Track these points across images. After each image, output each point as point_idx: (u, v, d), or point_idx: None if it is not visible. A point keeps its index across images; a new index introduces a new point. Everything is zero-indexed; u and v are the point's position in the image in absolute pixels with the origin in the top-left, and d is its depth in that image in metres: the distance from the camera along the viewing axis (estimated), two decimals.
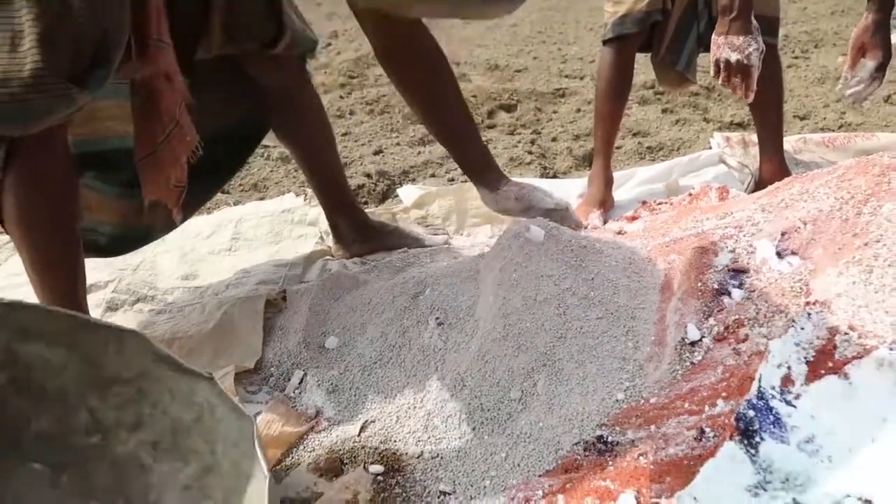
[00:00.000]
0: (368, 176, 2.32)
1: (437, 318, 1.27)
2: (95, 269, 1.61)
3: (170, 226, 1.47)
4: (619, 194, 2.03)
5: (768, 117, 2.02)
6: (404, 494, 1.00)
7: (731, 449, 0.85)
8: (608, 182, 1.99)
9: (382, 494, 1.00)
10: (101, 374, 0.98)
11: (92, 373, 0.98)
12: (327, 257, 1.74)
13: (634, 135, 2.66)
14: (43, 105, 0.99)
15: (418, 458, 1.06)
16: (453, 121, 1.50)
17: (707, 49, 1.84)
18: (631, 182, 2.12)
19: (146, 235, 1.46)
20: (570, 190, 2.10)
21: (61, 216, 1.20)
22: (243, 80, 1.44)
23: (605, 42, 1.92)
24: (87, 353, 0.97)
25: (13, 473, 0.95)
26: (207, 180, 1.47)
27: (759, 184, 1.98)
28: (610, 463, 0.95)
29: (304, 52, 1.48)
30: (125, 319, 1.49)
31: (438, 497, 0.99)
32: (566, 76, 3.51)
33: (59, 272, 1.23)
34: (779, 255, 1.14)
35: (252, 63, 1.41)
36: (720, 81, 1.69)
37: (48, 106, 0.99)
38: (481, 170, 1.53)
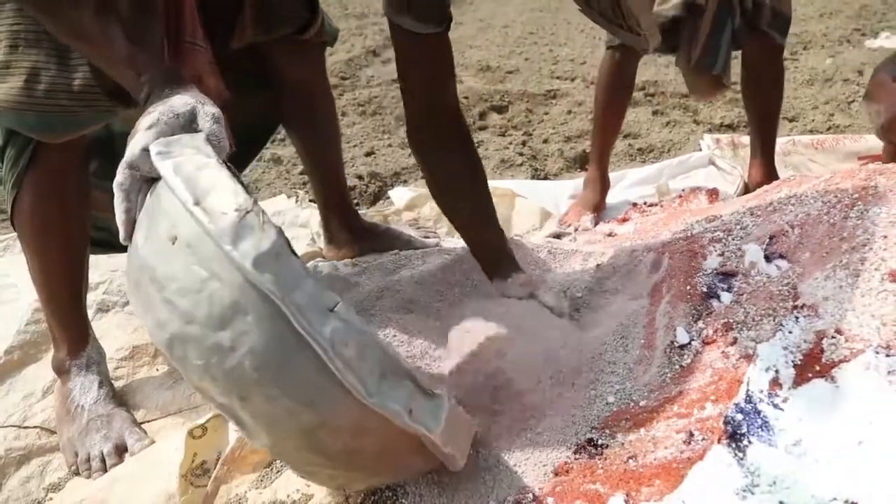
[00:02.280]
0: (360, 178, 2.32)
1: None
2: None
3: None
4: (609, 196, 2.04)
5: (765, 121, 1.99)
6: (395, 498, 1.00)
7: (720, 452, 0.86)
8: (605, 187, 2.00)
9: (373, 497, 1.00)
10: None
11: None
12: (318, 259, 1.74)
13: (625, 136, 2.67)
14: (88, 117, 1.02)
15: None
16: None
17: (739, 47, 1.74)
18: (621, 184, 2.14)
19: None
20: (562, 191, 2.11)
21: (75, 219, 1.20)
22: (257, 73, 1.44)
23: (609, 48, 1.86)
24: None
25: None
26: None
27: (748, 187, 1.99)
28: (600, 466, 0.95)
29: (327, 41, 1.49)
30: (116, 321, 1.49)
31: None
32: (557, 77, 3.52)
33: (66, 275, 1.24)
34: (767, 258, 1.15)
35: (278, 51, 1.41)
36: None
37: (92, 118, 1.03)
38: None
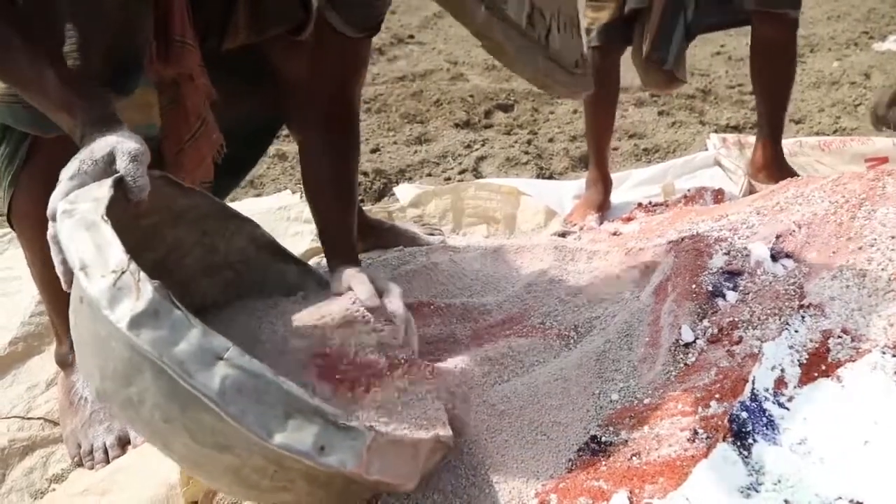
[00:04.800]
0: (365, 174, 2.32)
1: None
2: None
3: None
4: (614, 196, 2.03)
5: (777, 100, 1.93)
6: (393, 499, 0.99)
7: (724, 450, 0.86)
8: (607, 186, 1.99)
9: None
10: (215, 258, 1.09)
11: (207, 258, 1.08)
12: (322, 255, 1.74)
13: (630, 137, 2.67)
14: None
15: None
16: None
17: (694, 37, 1.71)
18: (626, 184, 2.13)
19: None
20: (567, 191, 2.10)
21: None
22: (257, 71, 1.43)
23: (590, 47, 1.83)
24: (211, 239, 1.08)
25: None
26: (228, 175, 1.47)
27: (752, 168, 1.96)
28: (603, 463, 0.95)
29: None
30: None
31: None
32: None
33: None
34: (773, 257, 1.15)
35: (275, 51, 1.40)
36: None
37: None
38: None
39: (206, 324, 1.00)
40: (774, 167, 1.94)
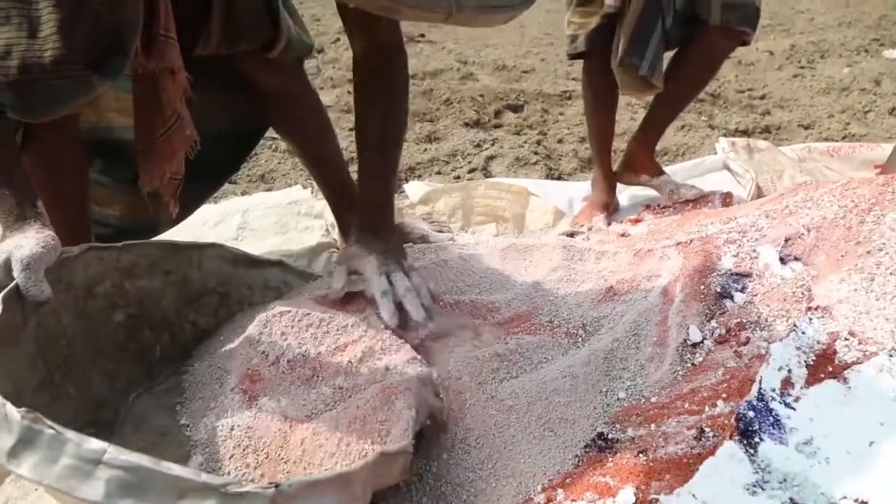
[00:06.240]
0: None
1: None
2: None
3: (178, 219, 1.48)
4: (623, 198, 2.04)
5: (686, 100, 1.98)
6: (405, 489, 1.01)
7: (731, 448, 0.87)
8: (611, 186, 2.00)
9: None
10: (192, 289, 1.13)
11: (184, 291, 1.12)
12: (332, 250, 1.75)
13: None
14: (64, 91, 1.01)
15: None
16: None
17: (674, 46, 1.75)
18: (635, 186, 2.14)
19: (153, 228, 1.47)
20: (576, 192, 2.11)
21: (74, 200, 1.21)
22: (242, 79, 1.44)
23: (582, 55, 1.85)
24: (178, 275, 1.12)
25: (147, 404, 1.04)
26: (207, 179, 1.48)
27: (622, 168, 2.00)
28: (610, 459, 0.96)
29: (300, 56, 1.47)
30: None
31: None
32: (573, 78, 3.51)
33: None
34: (782, 260, 1.16)
35: (250, 65, 1.41)
36: None
37: (69, 92, 1.01)
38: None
39: (200, 357, 1.05)
40: (645, 159, 1.99)
